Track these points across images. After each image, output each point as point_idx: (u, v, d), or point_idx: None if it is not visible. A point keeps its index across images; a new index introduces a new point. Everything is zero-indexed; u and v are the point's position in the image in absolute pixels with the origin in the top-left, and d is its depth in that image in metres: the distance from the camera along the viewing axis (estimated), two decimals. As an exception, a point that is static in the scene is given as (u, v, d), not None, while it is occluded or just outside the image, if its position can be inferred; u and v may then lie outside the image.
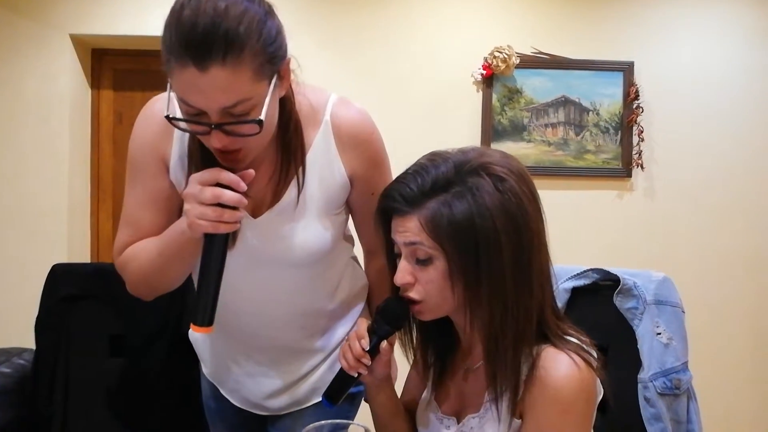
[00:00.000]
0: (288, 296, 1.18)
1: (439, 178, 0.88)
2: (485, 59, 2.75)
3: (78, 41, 2.74)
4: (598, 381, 0.91)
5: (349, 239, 1.31)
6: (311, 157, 1.09)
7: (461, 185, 0.87)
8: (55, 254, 2.59)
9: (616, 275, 1.32)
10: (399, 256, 0.94)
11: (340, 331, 1.27)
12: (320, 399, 1.15)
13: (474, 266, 0.86)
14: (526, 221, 0.88)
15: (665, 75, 2.83)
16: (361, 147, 1.12)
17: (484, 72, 2.75)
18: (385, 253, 1.00)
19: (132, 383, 1.81)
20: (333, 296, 1.25)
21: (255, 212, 1.09)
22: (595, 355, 0.91)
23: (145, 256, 1.09)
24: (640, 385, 1.24)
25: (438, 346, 1.04)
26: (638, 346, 1.26)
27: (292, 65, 1.00)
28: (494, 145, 2.75)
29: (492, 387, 0.90)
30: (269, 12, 0.96)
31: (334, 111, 1.11)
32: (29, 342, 1.95)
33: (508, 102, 2.78)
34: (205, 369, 1.37)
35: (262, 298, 1.18)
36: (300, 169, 1.07)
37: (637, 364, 1.25)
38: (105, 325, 1.84)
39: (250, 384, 1.27)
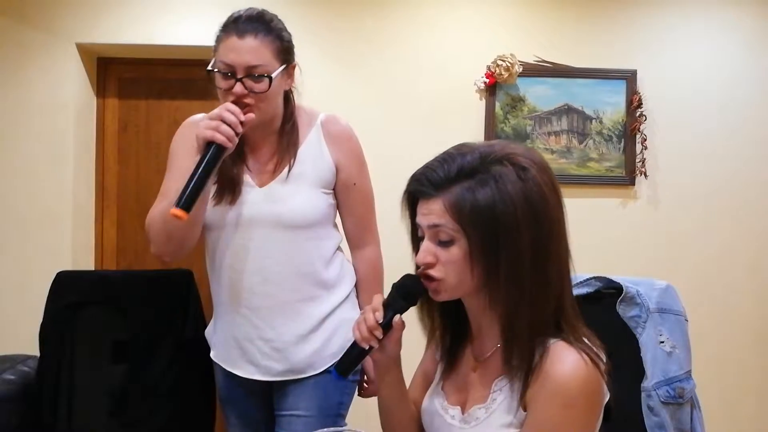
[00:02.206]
0: (285, 255, 1.45)
1: (465, 165, 0.93)
2: (488, 67, 2.76)
3: (84, 50, 2.76)
4: (605, 385, 0.92)
5: (337, 230, 1.59)
6: (306, 145, 1.48)
7: (485, 173, 0.91)
8: (59, 262, 2.59)
9: (618, 283, 1.32)
10: (422, 239, 0.98)
11: (329, 303, 1.52)
12: (317, 372, 1.48)
13: (494, 249, 0.90)
14: (546, 209, 0.92)
15: (668, 83, 2.83)
16: (345, 144, 1.53)
17: (487, 80, 2.75)
18: (410, 236, 1.06)
19: (136, 389, 1.81)
20: (327, 267, 1.52)
21: (261, 183, 1.46)
22: (604, 358, 0.93)
23: (166, 202, 1.37)
24: (643, 394, 1.24)
25: (452, 334, 1.07)
26: (641, 355, 1.26)
27: (296, 74, 1.46)
28: (497, 153, 2.76)
29: (507, 366, 0.93)
30: (290, 37, 1.47)
31: (324, 119, 1.53)
32: (33, 349, 1.96)
33: (511, 110, 2.79)
34: (215, 354, 1.58)
35: (263, 254, 1.44)
36: (292, 157, 1.45)
37: (641, 372, 1.25)
38: (109, 331, 1.84)
39: (251, 348, 1.49)
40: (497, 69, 2.73)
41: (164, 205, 1.38)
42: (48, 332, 1.85)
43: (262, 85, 1.35)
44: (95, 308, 1.85)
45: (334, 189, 1.53)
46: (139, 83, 2.91)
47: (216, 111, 1.29)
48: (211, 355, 1.60)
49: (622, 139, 2.80)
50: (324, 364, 1.52)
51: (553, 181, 0.95)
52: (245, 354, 1.50)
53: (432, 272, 0.95)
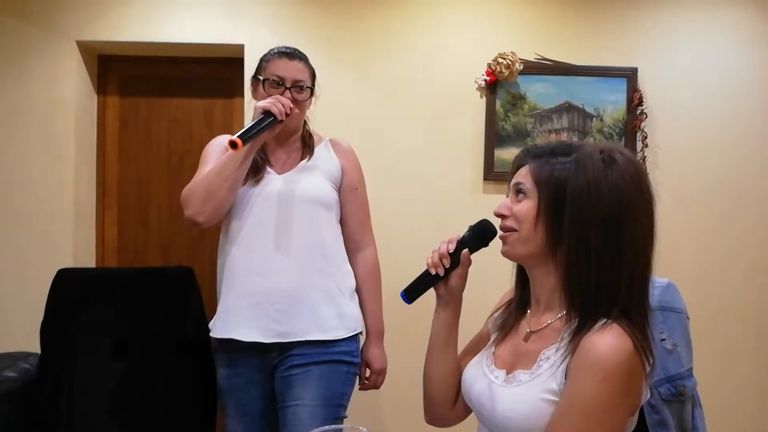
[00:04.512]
0: (297, 226, 1.68)
1: (562, 146, 1.07)
2: (489, 65, 2.75)
3: (84, 47, 2.76)
4: (646, 384, 0.99)
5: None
6: (318, 151, 1.81)
7: (573, 155, 1.04)
8: (60, 259, 2.59)
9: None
10: None
11: (334, 279, 1.71)
12: (315, 338, 1.63)
13: (560, 212, 1.02)
14: (622, 195, 1.00)
15: (669, 81, 2.83)
16: (349, 155, 1.86)
17: (488, 78, 2.75)
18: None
19: (136, 387, 1.81)
20: (335, 248, 1.74)
21: (280, 173, 1.74)
22: (651, 361, 0.98)
23: (211, 167, 1.68)
24: (644, 392, 1.24)
25: (516, 304, 1.17)
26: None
27: (312, 101, 1.83)
28: (498, 152, 2.75)
29: (569, 329, 1.00)
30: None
31: (330, 139, 1.86)
32: (34, 346, 1.96)
33: (512, 108, 2.79)
34: (219, 329, 1.68)
35: (277, 224, 1.67)
36: (308, 153, 1.79)
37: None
38: (110, 329, 1.84)
39: (257, 312, 1.63)
40: (498, 67, 2.73)
41: (207, 171, 1.67)
42: (49, 329, 1.85)
43: (304, 95, 1.75)
44: (96, 306, 1.85)
45: (339, 191, 1.79)
46: (139, 81, 2.91)
47: (274, 97, 1.65)
48: (212, 333, 1.70)
49: (623, 137, 2.80)
50: (323, 335, 1.66)
51: (640, 177, 1.03)
52: (250, 317, 1.63)
53: (507, 222, 1.08)
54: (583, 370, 0.94)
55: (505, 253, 1.10)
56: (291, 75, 1.72)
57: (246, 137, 1.56)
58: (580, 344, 0.96)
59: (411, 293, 1.19)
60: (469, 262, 1.18)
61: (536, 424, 0.98)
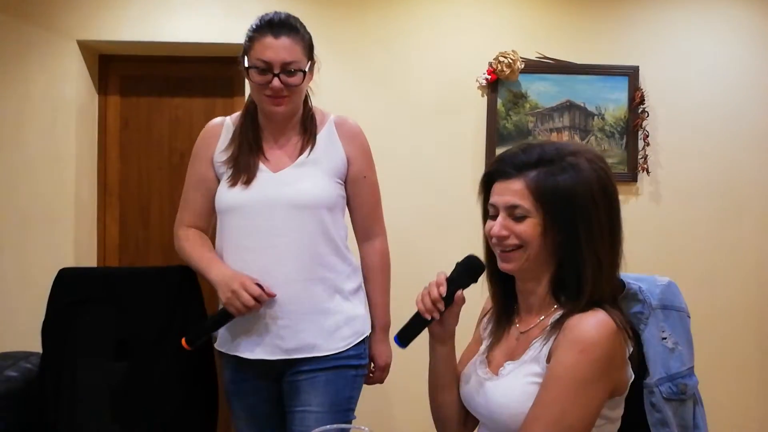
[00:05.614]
0: (294, 234, 1.53)
1: (544, 154, 1.05)
2: (490, 64, 2.75)
3: (85, 47, 2.76)
4: (629, 368, 1.03)
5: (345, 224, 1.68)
6: (320, 139, 1.61)
7: (563, 162, 1.04)
8: (61, 259, 2.59)
9: (621, 280, 1.31)
10: (492, 216, 1.10)
11: (336, 287, 1.59)
12: (321, 354, 1.56)
13: (572, 224, 1.02)
14: (613, 194, 1.07)
15: (671, 79, 2.82)
16: (355, 139, 1.66)
17: (489, 77, 2.75)
18: (482, 212, 1.17)
19: (138, 386, 1.81)
20: (336, 253, 1.60)
21: (275, 170, 1.57)
22: (631, 342, 1.03)
23: (189, 250, 1.66)
24: (645, 391, 1.23)
25: (504, 312, 1.18)
26: (644, 351, 1.25)
27: (315, 70, 1.60)
28: (499, 151, 2.75)
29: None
30: (311, 37, 1.59)
31: (335, 119, 1.66)
32: (36, 346, 1.96)
33: (513, 107, 2.79)
34: (221, 342, 1.64)
35: (274, 233, 1.53)
36: (309, 144, 1.59)
37: (643, 369, 1.25)
38: (111, 328, 1.84)
39: (260, 327, 1.55)
40: (499, 65, 2.72)
41: (190, 247, 1.66)
42: (50, 329, 1.85)
43: (296, 79, 1.51)
44: (97, 305, 1.85)
45: (345, 182, 1.64)
46: (140, 80, 2.92)
47: (241, 294, 1.48)
48: (216, 345, 1.65)
49: (624, 136, 2.80)
50: (329, 349, 1.58)
51: (611, 176, 1.08)
52: (254, 333, 1.56)
53: (509, 241, 1.06)
54: (565, 345, 0.99)
55: (509, 270, 1.09)
56: (278, 57, 1.48)
57: (196, 342, 1.55)
58: (563, 325, 1.01)
59: (405, 337, 1.14)
60: (463, 300, 1.13)
61: (527, 408, 1.01)
